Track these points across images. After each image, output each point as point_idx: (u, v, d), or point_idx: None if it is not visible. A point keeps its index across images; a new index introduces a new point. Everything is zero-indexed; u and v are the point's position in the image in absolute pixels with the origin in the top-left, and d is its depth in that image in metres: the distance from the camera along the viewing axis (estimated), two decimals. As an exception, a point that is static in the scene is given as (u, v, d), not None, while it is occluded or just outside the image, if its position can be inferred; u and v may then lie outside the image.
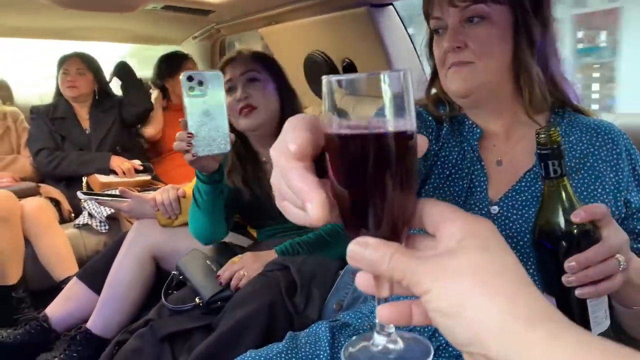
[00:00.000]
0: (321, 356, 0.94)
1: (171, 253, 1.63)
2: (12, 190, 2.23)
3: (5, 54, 4.03)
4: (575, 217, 0.67)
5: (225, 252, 1.54)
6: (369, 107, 0.40)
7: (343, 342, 0.98)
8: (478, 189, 0.91)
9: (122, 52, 3.78)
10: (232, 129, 1.41)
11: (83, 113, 2.66)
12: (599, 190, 0.86)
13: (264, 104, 1.49)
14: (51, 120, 2.59)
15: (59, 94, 2.67)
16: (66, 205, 2.42)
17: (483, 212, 0.89)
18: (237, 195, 1.54)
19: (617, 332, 0.84)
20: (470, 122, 0.95)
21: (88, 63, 2.66)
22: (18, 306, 2.01)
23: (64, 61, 2.64)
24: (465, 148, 0.93)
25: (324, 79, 0.41)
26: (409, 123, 0.40)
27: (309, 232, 1.51)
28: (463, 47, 0.86)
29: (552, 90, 0.91)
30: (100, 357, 1.38)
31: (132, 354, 1.30)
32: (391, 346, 0.44)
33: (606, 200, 0.85)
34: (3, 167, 2.52)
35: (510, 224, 0.85)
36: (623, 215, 0.87)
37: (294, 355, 0.94)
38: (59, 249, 2.15)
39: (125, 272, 1.66)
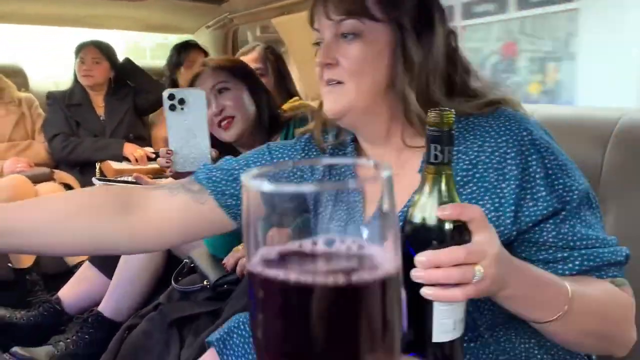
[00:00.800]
0: None
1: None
2: (26, 175, 2.27)
3: (20, 40, 4.08)
4: (441, 213, 0.62)
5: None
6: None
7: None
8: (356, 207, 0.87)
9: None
10: (217, 140, 1.44)
11: (98, 100, 2.70)
12: (487, 204, 0.77)
13: (240, 112, 1.49)
14: (67, 107, 2.64)
15: (75, 80, 2.71)
16: (79, 191, 2.46)
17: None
18: None
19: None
20: (351, 152, 0.91)
21: (104, 51, 2.70)
22: (32, 289, 2.06)
23: (81, 49, 2.68)
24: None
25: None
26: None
27: None
28: (335, 64, 0.81)
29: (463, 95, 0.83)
30: (111, 341, 1.41)
31: (142, 337, 1.33)
32: None
33: (496, 215, 0.77)
34: (18, 152, 2.57)
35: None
36: (513, 236, 0.78)
37: None
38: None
39: (136, 258, 1.69)
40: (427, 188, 0.65)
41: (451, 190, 0.65)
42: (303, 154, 0.94)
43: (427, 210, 0.64)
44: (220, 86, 1.49)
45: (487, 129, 0.80)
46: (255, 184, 0.32)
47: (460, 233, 0.63)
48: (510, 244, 0.78)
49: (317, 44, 0.84)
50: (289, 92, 2.03)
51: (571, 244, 0.77)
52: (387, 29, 0.81)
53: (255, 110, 1.53)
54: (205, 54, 2.86)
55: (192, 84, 1.51)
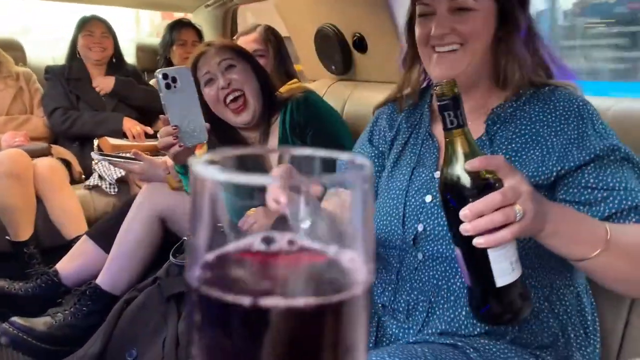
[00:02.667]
0: None
1: (181, 216, 1.70)
2: (24, 149, 2.28)
3: (18, 15, 4.05)
4: (469, 166, 0.70)
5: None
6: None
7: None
8: (428, 158, 1.00)
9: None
10: (214, 119, 1.47)
11: (94, 82, 2.69)
12: (534, 153, 0.91)
13: (248, 87, 1.51)
14: (66, 81, 2.63)
15: (72, 55, 2.69)
16: (77, 167, 2.47)
17: (428, 177, 0.98)
18: None
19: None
20: (426, 106, 1.05)
21: (109, 28, 2.69)
22: (29, 261, 2.08)
23: (86, 23, 2.65)
24: (420, 129, 1.04)
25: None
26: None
27: None
28: (449, 32, 0.93)
29: (539, 71, 0.97)
30: (109, 314, 1.45)
31: (140, 310, 1.36)
32: None
33: (536, 163, 0.90)
34: (16, 126, 2.57)
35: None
36: (553, 176, 0.90)
37: None
38: (70, 208, 2.21)
39: (134, 233, 1.72)
40: (452, 151, 0.73)
41: (473, 147, 0.73)
42: (388, 122, 1.10)
43: (458, 169, 0.72)
44: (227, 63, 1.52)
45: (551, 98, 0.94)
46: (207, 172, 0.27)
47: (492, 182, 0.70)
48: (553, 187, 0.89)
49: (423, 15, 0.96)
50: (288, 73, 2.05)
51: (611, 184, 0.86)
52: (492, 0, 0.93)
53: (259, 89, 1.55)
54: (199, 33, 2.85)
55: (195, 62, 1.53)
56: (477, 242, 0.69)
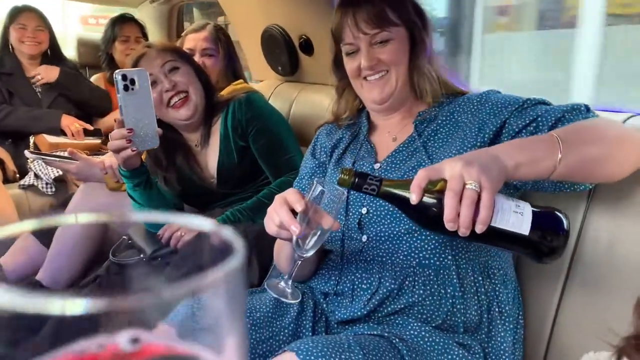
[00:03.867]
0: (267, 304, 1.05)
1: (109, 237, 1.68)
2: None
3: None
4: (413, 202, 0.79)
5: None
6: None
7: (285, 305, 1.06)
8: (367, 156, 1.13)
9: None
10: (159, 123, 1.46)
11: (33, 71, 2.57)
12: (458, 134, 1.05)
13: (192, 88, 1.52)
14: (-2, 75, 2.50)
15: (3, 48, 2.57)
16: (11, 165, 2.36)
17: (369, 168, 1.10)
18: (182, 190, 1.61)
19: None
20: (364, 118, 1.21)
21: (44, 19, 2.58)
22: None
23: (18, 14, 2.53)
24: (359, 137, 1.17)
25: None
26: None
27: None
28: (376, 63, 1.08)
29: (440, 84, 1.12)
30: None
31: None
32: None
33: (462, 139, 1.04)
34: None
35: (389, 175, 1.08)
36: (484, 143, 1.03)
37: None
38: (3, 208, 2.11)
39: (72, 230, 1.68)
40: (395, 200, 0.83)
41: (400, 185, 0.82)
42: (328, 137, 1.25)
43: (414, 209, 0.80)
44: (170, 65, 1.51)
45: (463, 98, 1.11)
46: None
47: (436, 190, 0.79)
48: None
49: (350, 53, 1.12)
50: (236, 74, 2.04)
51: (534, 116, 0.99)
52: (403, 28, 1.10)
53: (203, 91, 1.55)
54: (142, 28, 2.78)
55: (135, 64, 1.51)
56: (478, 229, 0.76)
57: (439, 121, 1.09)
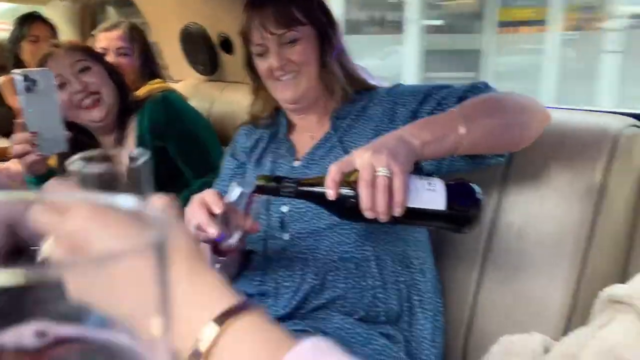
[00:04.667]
0: None
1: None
2: None
3: None
4: (330, 197, 0.79)
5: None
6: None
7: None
8: (287, 154, 1.14)
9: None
10: (71, 126, 1.39)
11: None
12: (369, 125, 1.08)
13: (105, 89, 1.46)
14: None
15: None
16: None
17: (288, 166, 1.11)
18: None
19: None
20: (283, 118, 1.20)
21: None
22: None
23: None
24: (278, 136, 1.18)
25: None
26: None
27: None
28: (287, 62, 1.09)
29: (351, 81, 1.15)
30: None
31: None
32: None
33: (374, 129, 1.07)
34: None
35: (309, 172, 1.08)
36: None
37: None
38: None
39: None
40: (314, 197, 0.83)
41: (316, 184, 0.82)
42: (247, 137, 1.24)
43: (329, 201, 0.80)
44: (81, 65, 1.44)
45: (372, 93, 1.15)
46: None
47: (350, 181, 0.79)
48: None
49: (260, 54, 1.11)
50: (153, 74, 1.97)
51: (439, 100, 1.03)
52: (311, 27, 1.10)
53: (116, 91, 1.48)
54: (52, 27, 2.63)
55: (42, 64, 1.42)
56: (396, 213, 0.78)
57: (353, 116, 1.12)
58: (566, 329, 1.03)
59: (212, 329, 0.40)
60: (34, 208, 0.33)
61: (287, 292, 1.02)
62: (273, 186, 0.83)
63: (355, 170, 0.80)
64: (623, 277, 1.06)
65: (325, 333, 0.94)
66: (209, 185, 1.34)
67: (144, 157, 0.49)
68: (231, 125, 1.53)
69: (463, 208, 0.83)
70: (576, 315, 1.04)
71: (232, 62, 2.07)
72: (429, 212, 0.81)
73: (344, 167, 0.80)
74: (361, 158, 0.79)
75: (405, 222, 0.83)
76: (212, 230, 0.86)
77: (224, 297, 0.43)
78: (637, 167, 1.09)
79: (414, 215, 0.81)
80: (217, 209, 0.86)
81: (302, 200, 1.01)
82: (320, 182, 0.82)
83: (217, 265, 0.92)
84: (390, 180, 0.77)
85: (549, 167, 1.09)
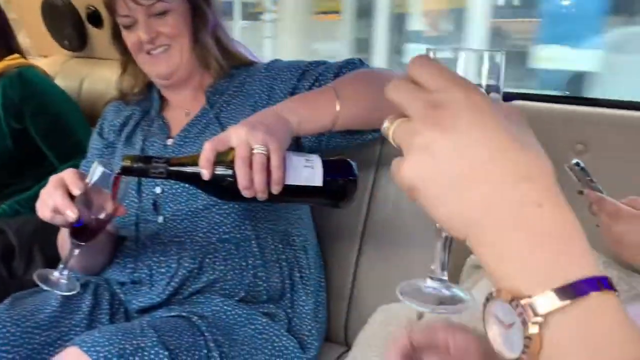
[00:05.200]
0: (53, 303, 0.94)
1: None
2: None
3: None
4: (206, 177, 0.75)
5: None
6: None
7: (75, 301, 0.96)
8: (159, 132, 1.07)
9: None
10: None
11: None
12: (248, 101, 1.05)
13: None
14: None
15: None
16: None
17: (161, 145, 1.05)
18: None
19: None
20: (155, 93, 1.14)
21: None
22: None
23: None
24: (150, 113, 1.11)
25: None
26: None
27: None
28: (157, 35, 1.02)
29: (227, 55, 1.10)
30: None
31: None
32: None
33: (252, 105, 1.04)
34: None
35: (183, 151, 1.03)
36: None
37: (18, 309, 0.92)
38: None
39: None
40: (188, 178, 0.79)
41: (189, 164, 0.77)
42: (116, 114, 1.16)
43: (207, 182, 0.76)
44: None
45: (249, 69, 1.11)
46: None
47: (226, 161, 0.76)
48: None
49: (127, 27, 1.04)
50: (10, 48, 1.78)
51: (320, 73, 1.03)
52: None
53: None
54: None
55: None
56: (274, 191, 0.76)
57: (230, 92, 1.07)
58: (439, 296, 1.08)
59: (546, 303, 0.30)
60: None
61: (163, 278, 0.97)
62: (141, 167, 0.76)
63: (231, 148, 0.76)
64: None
65: (202, 317, 0.91)
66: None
67: None
68: (103, 104, 1.43)
69: (339, 184, 0.83)
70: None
71: (102, 37, 1.91)
72: (307, 189, 0.80)
73: (219, 145, 0.76)
74: (237, 135, 0.76)
75: (283, 199, 0.82)
76: (70, 213, 0.79)
77: (578, 261, 0.32)
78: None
79: (293, 193, 0.80)
80: (77, 190, 0.79)
81: (175, 182, 0.97)
82: (193, 161, 0.77)
83: (77, 251, 0.85)
84: (267, 157, 0.75)
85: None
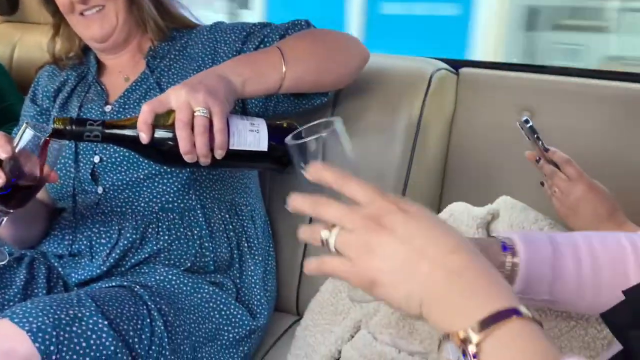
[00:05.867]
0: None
1: None
2: None
3: None
4: (144, 140, 0.71)
5: None
6: None
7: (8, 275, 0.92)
8: (97, 99, 1.02)
9: None
10: None
11: None
12: (191, 64, 1.01)
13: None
14: None
15: None
16: None
17: (98, 111, 0.99)
18: None
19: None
20: (92, 58, 1.07)
21: None
22: None
23: None
24: (87, 79, 1.06)
25: None
26: None
27: None
28: None
29: (168, 17, 1.05)
30: None
31: None
32: None
33: (195, 68, 0.99)
34: None
35: (121, 115, 0.98)
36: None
37: None
38: None
39: None
40: (120, 144, 0.76)
41: (126, 127, 0.73)
42: (50, 79, 1.09)
43: (142, 145, 0.72)
44: None
45: (192, 32, 1.06)
46: None
47: (165, 121, 0.72)
48: None
49: None
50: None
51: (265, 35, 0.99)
52: None
53: None
54: None
55: None
56: (218, 155, 0.72)
57: (172, 56, 1.02)
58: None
59: (475, 334, 0.39)
60: None
61: (103, 249, 0.92)
62: (74, 129, 0.71)
63: (172, 111, 0.72)
64: (437, 212, 1.14)
65: (145, 286, 0.87)
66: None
67: None
68: (35, 70, 1.34)
69: (285, 149, 0.81)
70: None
71: (34, 1, 1.81)
72: (252, 154, 0.77)
73: (158, 107, 0.72)
74: (177, 97, 0.72)
75: (227, 164, 0.79)
76: None
77: (494, 299, 0.41)
78: (447, 108, 1.17)
79: (237, 158, 0.77)
80: (3, 154, 0.73)
81: (118, 147, 0.91)
82: (131, 124, 0.73)
83: (4, 220, 0.79)
84: (209, 120, 0.71)
85: (372, 109, 1.12)
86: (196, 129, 0.70)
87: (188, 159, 0.72)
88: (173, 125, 0.71)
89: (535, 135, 0.87)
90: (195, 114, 0.71)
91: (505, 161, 1.12)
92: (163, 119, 0.73)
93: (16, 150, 0.74)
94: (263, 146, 0.77)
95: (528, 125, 0.87)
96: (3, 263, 0.82)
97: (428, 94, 1.10)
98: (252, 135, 0.76)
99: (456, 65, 1.21)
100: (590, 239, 0.59)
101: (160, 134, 0.72)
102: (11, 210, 0.78)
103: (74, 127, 0.71)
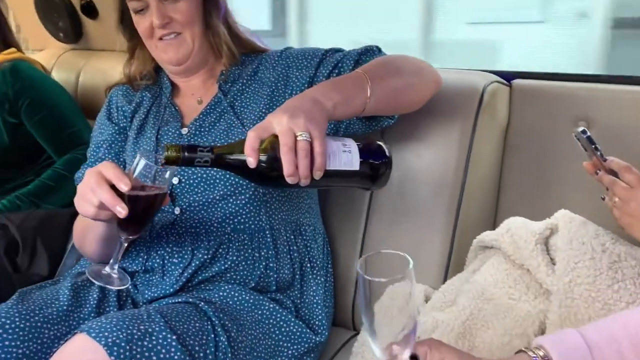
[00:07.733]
0: (61, 297, 0.94)
1: None
2: None
3: None
4: (251, 165, 0.74)
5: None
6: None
7: (83, 294, 0.97)
8: (172, 120, 1.05)
9: None
10: None
11: None
12: (263, 90, 1.05)
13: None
14: None
15: None
16: None
17: (175, 133, 1.03)
18: None
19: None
20: (165, 79, 1.12)
21: None
22: None
23: None
24: (161, 100, 1.11)
25: None
26: None
27: None
28: (169, 21, 1.01)
29: (238, 42, 1.09)
30: None
31: None
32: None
33: (269, 96, 1.04)
34: None
35: (199, 140, 1.02)
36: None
37: (27, 303, 0.91)
38: None
39: None
40: (234, 166, 0.78)
41: (233, 152, 0.77)
42: (125, 99, 1.13)
43: (252, 169, 0.75)
44: None
45: (263, 56, 1.10)
46: None
47: (271, 147, 0.75)
48: None
49: (138, 11, 1.02)
50: (6, 42, 1.77)
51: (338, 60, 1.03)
52: None
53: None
54: None
55: None
56: (317, 176, 0.76)
57: (244, 80, 1.06)
58: (445, 278, 1.08)
59: None
60: None
61: (176, 269, 0.96)
62: (186, 156, 0.75)
63: (272, 136, 0.76)
64: (493, 225, 1.13)
65: (210, 302, 0.91)
66: (76, 162, 1.24)
67: None
68: (100, 97, 1.42)
69: (375, 166, 0.83)
70: (453, 263, 1.10)
71: (97, 28, 1.91)
72: (345, 173, 0.80)
73: (262, 134, 0.76)
74: (279, 123, 0.75)
75: (323, 184, 0.81)
76: (120, 209, 0.77)
77: None
78: (501, 120, 1.16)
79: (332, 178, 0.80)
80: (124, 187, 0.77)
81: (194, 169, 0.97)
82: (237, 149, 0.77)
83: (124, 245, 0.84)
84: (310, 144, 0.75)
85: (425, 124, 1.13)
86: (299, 153, 0.73)
87: (290, 181, 0.75)
88: (274, 150, 0.75)
89: (594, 146, 0.86)
90: (298, 138, 0.74)
91: (561, 173, 1.10)
92: (264, 144, 0.76)
93: (132, 180, 0.78)
94: (355, 165, 0.80)
95: (585, 135, 0.86)
96: (126, 286, 0.87)
97: (481, 107, 1.10)
98: (346, 156, 0.80)
99: (508, 77, 1.20)
100: (627, 325, 0.61)
101: (264, 157, 0.76)
102: (132, 237, 0.83)
103: (186, 154, 0.75)
